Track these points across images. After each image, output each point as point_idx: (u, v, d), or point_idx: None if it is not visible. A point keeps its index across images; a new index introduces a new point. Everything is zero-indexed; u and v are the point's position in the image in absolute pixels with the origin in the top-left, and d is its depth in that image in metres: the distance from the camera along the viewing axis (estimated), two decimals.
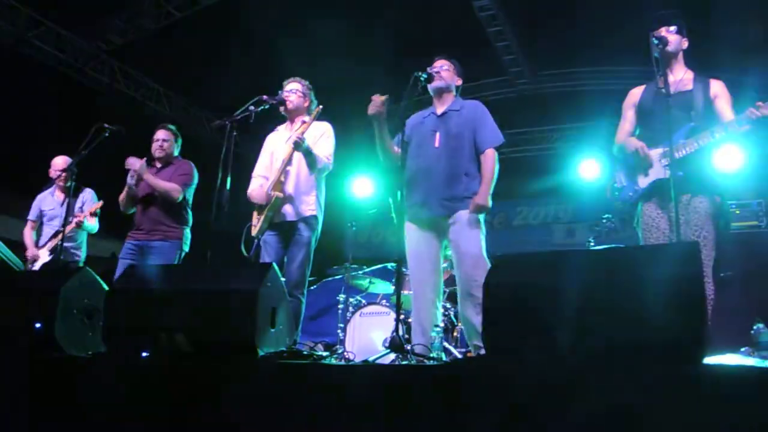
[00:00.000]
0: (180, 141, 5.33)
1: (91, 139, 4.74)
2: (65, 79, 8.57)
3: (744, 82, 7.79)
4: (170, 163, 5.18)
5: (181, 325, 2.57)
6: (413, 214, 3.95)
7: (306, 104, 4.57)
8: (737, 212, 5.31)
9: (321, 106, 4.27)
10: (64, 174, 5.57)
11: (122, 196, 5.06)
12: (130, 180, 4.93)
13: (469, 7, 8.29)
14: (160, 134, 5.21)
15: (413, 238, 3.96)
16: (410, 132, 4.06)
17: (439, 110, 4.08)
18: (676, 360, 1.94)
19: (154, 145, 5.16)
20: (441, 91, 4.08)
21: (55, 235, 5.61)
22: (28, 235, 5.89)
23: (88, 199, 5.75)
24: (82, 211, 5.58)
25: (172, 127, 5.32)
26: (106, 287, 3.12)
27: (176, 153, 5.28)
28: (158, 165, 5.17)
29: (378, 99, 3.80)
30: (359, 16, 7.94)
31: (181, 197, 5.01)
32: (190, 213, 5.13)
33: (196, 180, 5.16)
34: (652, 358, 1.95)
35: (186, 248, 5.02)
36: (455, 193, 3.86)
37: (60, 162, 5.82)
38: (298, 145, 4.13)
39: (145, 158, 4.97)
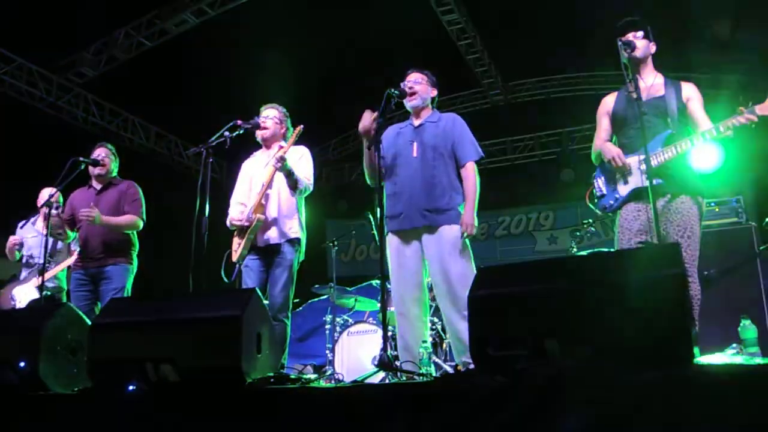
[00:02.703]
0: (118, 160, 5.20)
1: (67, 173, 4.69)
2: (40, 114, 8.51)
3: (720, 80, 7.96)
4: (111, 184, 5.06)
5: (167, 355, 2.53)
6: (394, 226, 3.92)
7: (282, 131, 4.55)
8: (717, 210, 5.37)
9: (302, 126, 4.25)
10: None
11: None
12: (59, 232, 4.85)
13: (438, 22, 8.36)
14: (101, 152, 5.08)
15: (396, 251, 3.93)
16: (387, 145, 4.06)
17: (416, 122, 4.08)
18: (665, 362, 1.94)
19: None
20: (418, 108, 4.09)
21: (41, 273, 5.52)
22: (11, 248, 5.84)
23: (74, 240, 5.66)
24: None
25: (111, 146, 5.21)
26: (89, 322, 3.08)
27: (115, 173, 5.15)
28: (96, 186, 5.05)
29: (368, 115, 3.76)
30: (329, 35, 7.99)
31: (142, 225, 4.96)
32: (136, 235, 5.04)
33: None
34: (642, 362, 1.95)
35: (134, 271, 4.95)
36: (438, 204, 3.83)
37: (46, 193, 5.72)
38: (282, 165, 4.10)
39: (92, 204, 4.80)
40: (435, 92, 4.15)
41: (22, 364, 2.85)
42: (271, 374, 2.58)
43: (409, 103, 4.04)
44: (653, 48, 3.75)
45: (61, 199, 5.28)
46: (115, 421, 2.44)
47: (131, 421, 2.43)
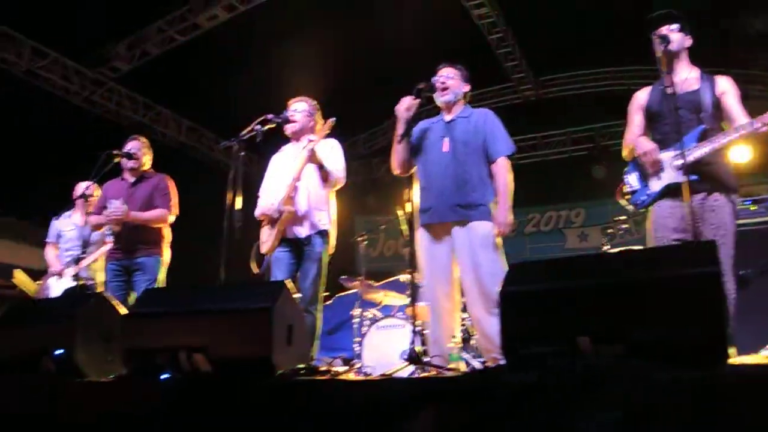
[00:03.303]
0: (151, 153, 5.21)
1: (101, 166, 4.76)
2: (74, 108, 8.67)
3: (755, 75, 7.80)
4: (144, 177, 5.08)
5: (199, 346, 2.57)
6: (425, 220, 3.92)
7: (311, 124, 4.53)
8: (753, 208, 5.26)
9: (334, 119, 4.26)
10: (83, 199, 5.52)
11: (94, 223, 4.98)
12: (109, 227, 4.84)
13: (468, 16, 8.32)
14: (134, 145, 5.09)
15: (426, 246, 3.92)
16: (417, 139, 4.06)
17: (448, 117, 4.06)
18: (699, 361, 1.91)
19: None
20: (450, 104, 4.07)
21: (76, 262, 5.59)
22: (52, 255, 5.89)
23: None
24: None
25: (144, 138, 5.22)
26: (124, 311, 3.14)
27: (148, 165, 5.16)
28: (130, 179, 5.06)
29: (408, 98, 3.78)
30: (358, 29, 8.00)
31: (172, 219, 4.99)
32: (168, 227, 5.06)
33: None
34: (675, 361, 1.93)
35: (167, 262, 4.99)
36: (469, 200, 3.81)
37: (82, 186, 5.79)
38: (313, 155, 4.12)
39: (121, 199, 4.82)
40: (467, 87, 4.12)
41: (58, 351, 2.91)
42: (302, 366, 2.60)
43: (441, 99, 4.02)
44: (688, 42, 3.67)
45: (98, 192, 5.34)
46: (147, 408, 2.48)
47: (164, 408, 2.47)
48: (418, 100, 3.74)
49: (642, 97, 3.82)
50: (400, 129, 3.87)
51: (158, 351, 2.62)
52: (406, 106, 3.78)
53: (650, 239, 3.66)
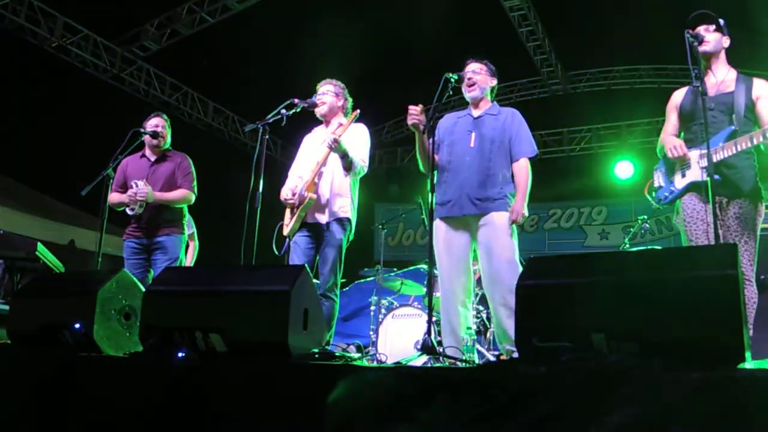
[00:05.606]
0: (171, 130, 5.18)
1: (127, 144, 4.79)
2: (103, 85, 8.76)
3: None
4: (165, 156, 5.07)
5: (216, 326, 2.60)
6: (444, 213, 3.93)
7: (340, 103, 4.54)
8: None
9: (359, 111, 4.27)
10: None
11: (115, 201, 4.88)
12: (132, 208, 4.80)
13: (499, 8, 8.26)
14: (157, 121, 5.07)
15: (444, 237, 3.94)
16: (443, 133, 4.07)
17: (476, 113, 4.07)
18: (713, 363, 1.90)
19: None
20: (477, 99, 4.07)
21: None
22: None
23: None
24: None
25: (165, 116, 5.20)
26: (143, 288, 3.18)
27: (168, 144, 5.14)
28: (151, 157, 5.06)
29: (414, 109, 3.76)
30: (386, 16, 7.97)
31: (194, 198, 5.01)
32: (186, 206, 5.08)
33: None
34: (690, 361, 1.92)
35: (185, 240, 5.01)
36: (489, 193, 3.84)
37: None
38: (336, 146, 4.13)
39: (144, 181, 4.82)
40: (494, 82, 4.12)
41: (77, 325, 2.96)
42: (316, 350, 2.62)
43: (468, 94, 4.04)
44: (726, 42, 3.62)
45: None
46: (161, 386, 2.52)
47: (176, 386, 2.50)
48: (420, 106, 3.72)
49: (678, 96, 3.82)
50: (420, 130, 3.85)
51: (175, 329, 2.66)
52: (413, 122, 3.76)
53: (684, 233, 3.61)
